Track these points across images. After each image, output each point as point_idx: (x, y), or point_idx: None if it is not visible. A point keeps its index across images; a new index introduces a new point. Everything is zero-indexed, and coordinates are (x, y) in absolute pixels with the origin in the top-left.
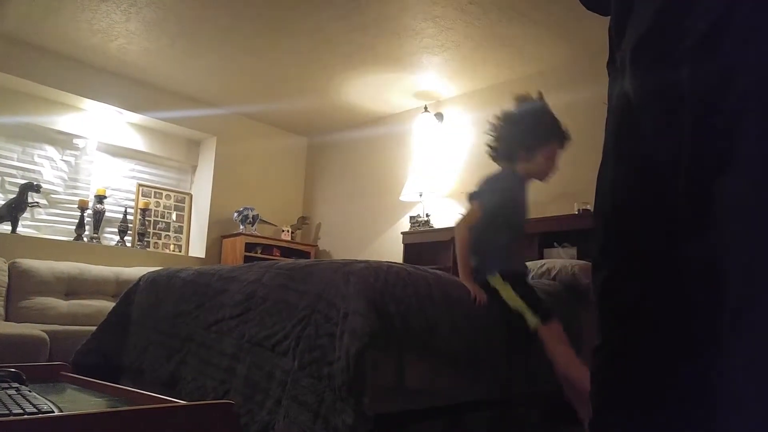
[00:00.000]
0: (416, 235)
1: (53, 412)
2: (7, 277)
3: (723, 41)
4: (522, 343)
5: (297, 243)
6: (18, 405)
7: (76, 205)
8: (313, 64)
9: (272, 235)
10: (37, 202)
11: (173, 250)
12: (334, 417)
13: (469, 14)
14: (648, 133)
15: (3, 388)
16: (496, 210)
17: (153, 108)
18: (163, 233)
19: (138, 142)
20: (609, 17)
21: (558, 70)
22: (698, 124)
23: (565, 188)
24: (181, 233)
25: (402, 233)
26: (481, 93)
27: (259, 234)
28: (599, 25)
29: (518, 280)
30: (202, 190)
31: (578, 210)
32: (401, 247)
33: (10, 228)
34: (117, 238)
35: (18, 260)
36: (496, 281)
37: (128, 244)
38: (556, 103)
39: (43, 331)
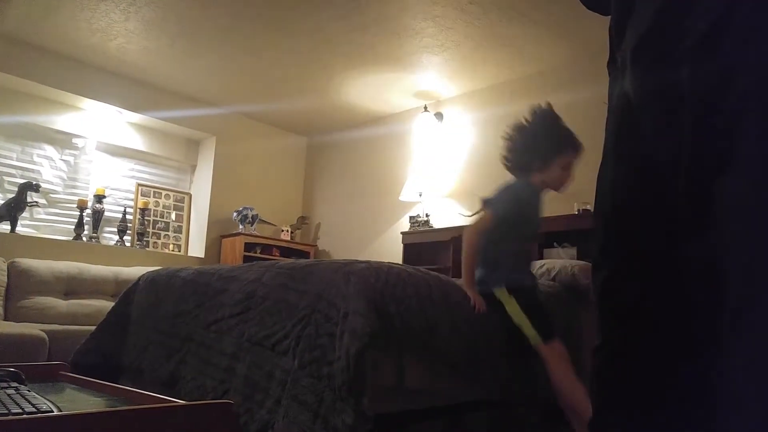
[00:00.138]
0: (416, 235)
1: (52, 411)
2: (6, 277)
3: (723, 41)
4: (522, 347)
5: (296, 243)
6: (17, 404)
7: (76, 205)
8: (313, 64)
9: (272, 235)
10: (36, 202)
11: (172, 250)
12: (334, 417)
13: (469, 14)
14: (648, 133)
15: (2, 388)
16: (507, 221)
17: (152, 108)
18: (163, 233)
19: (137, 142)
20: (609, 17)
21: (558, 70)
22: (698, 124)
23: None
24: (181, 233)
25: (402, 233)
26: (481, 93)
27: (258, 234)
28: (599, 25)
29: (524, 295)
30: (201, 189)
31: (578, 210)
32: (401, 247)
33: (9, 227)
34: (116, 237)
35: (17, 260)
36: (502, 294)
37: (127, 244)
38: (556, 103)
39: (42, 330)
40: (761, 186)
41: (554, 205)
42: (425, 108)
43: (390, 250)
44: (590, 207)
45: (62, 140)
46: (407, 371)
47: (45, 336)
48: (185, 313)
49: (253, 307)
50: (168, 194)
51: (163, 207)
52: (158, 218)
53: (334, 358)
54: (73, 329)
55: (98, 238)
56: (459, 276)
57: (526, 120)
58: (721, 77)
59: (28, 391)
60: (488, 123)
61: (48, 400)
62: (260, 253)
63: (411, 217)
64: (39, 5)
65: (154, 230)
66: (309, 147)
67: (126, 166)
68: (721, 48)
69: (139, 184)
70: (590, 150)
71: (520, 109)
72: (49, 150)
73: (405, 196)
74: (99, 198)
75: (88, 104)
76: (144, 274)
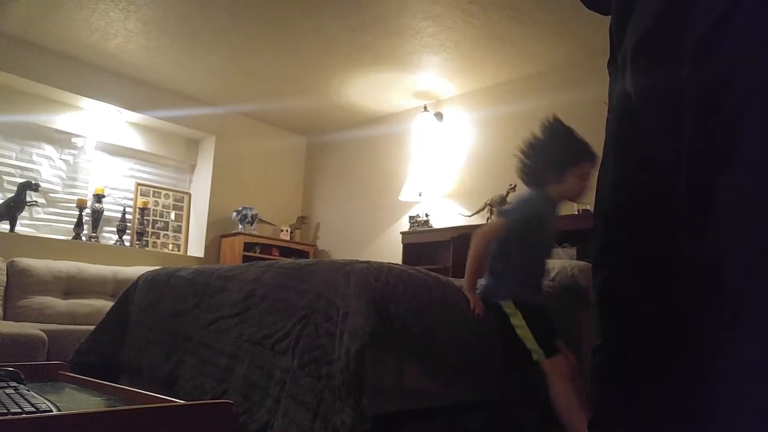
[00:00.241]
0: (415, 235)
1: (51, 411)
2: (5, 277)
3: (723, 41)
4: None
5: (296, 243)
6: (16, 404)
7: (75, 204)
8: (313, 64)
9: (271, 235)
10: (35, 201)
11: (172, 250)
12: (333, 416)
13: (469, 14)
14: (648, 133)
15: (1, 388)
16: (520, 232)
17: (152, 107)
18: (162, 232)
19: (137, 141)
20: (609, 17)
21: (558, 70)
22: (698, 123)
23: None
24: (180, 233)
25: (401, 233)
26: (481, 93)
27: (258, 234)
28: (599, 25)
29: (531, 311)
30: (200, 189)
31: (578, 210)
32: (400, 247)
33: (8, 227)
34: (115, 237)
35: (16, 259)
36: (508, 306)
37: (127, 244)
38: (556, 102)
39: (41, 330)
40: (761, 186)
41: None
42: (425, 108)
43: (389, 250)
44: (590, 207)
45: (62, 139)
46: (406, 371)
47: (44, 336)
48: (184, 312)
49: (253, 306)
50: (167, 194)
51: (163, 207)
52: (157, 218)
53: (334, 357)
54: (73, 329)
55: (97, 238)
56: (459, 276)
57: (538, 134)
58: (721, 77)
59: (28, 390)
60: (488, 123)
61: (47, 399)
62: (260, 252)
63: (411, 217)
64: (38, 4)
65: (153, 230)
66: (309, 147)
67: (125, 165)
68: (721, 48)
69: (139, 184)
70: None
71: (520, 109)
72: (49, 149)
73: (405, 196)
74: (98, 197)
75: (87, 103)
76: (143, 274)
